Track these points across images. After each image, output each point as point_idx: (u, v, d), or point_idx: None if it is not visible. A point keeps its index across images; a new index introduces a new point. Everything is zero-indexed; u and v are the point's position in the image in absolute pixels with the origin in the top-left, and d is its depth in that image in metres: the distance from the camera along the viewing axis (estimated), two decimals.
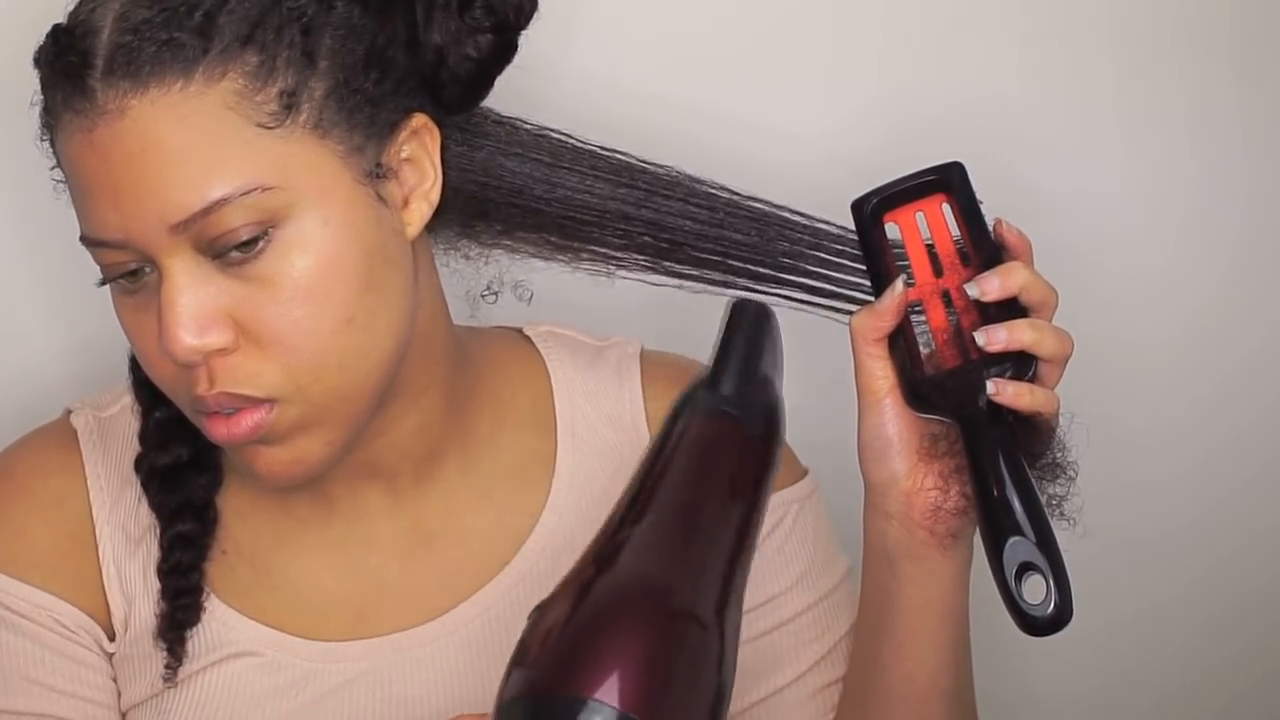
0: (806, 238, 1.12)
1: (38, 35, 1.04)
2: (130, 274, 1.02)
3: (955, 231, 1.08)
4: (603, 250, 1.13)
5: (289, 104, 1.00)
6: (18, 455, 1.16)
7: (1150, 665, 1.52)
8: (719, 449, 0.94)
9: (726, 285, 1.13)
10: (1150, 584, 1.50)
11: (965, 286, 1.04)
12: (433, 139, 1.07)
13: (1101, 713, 1.52)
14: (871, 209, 1.09)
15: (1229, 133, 1.44)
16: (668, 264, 1.13)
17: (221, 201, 0.99)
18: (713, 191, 1.13)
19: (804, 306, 1.12)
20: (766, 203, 1.13)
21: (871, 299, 1.09)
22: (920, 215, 1.09)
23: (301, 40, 1.01)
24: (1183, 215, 1.46)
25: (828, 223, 1.12)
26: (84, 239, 1.03)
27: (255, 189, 0.99)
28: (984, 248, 1.06)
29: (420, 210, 1.07)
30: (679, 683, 0.83)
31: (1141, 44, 1.42)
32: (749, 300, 1.02)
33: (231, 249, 1.00)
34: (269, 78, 1.00)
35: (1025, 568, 0.98)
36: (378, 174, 1.04)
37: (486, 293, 1.20)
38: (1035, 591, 0.98)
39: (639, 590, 0.85)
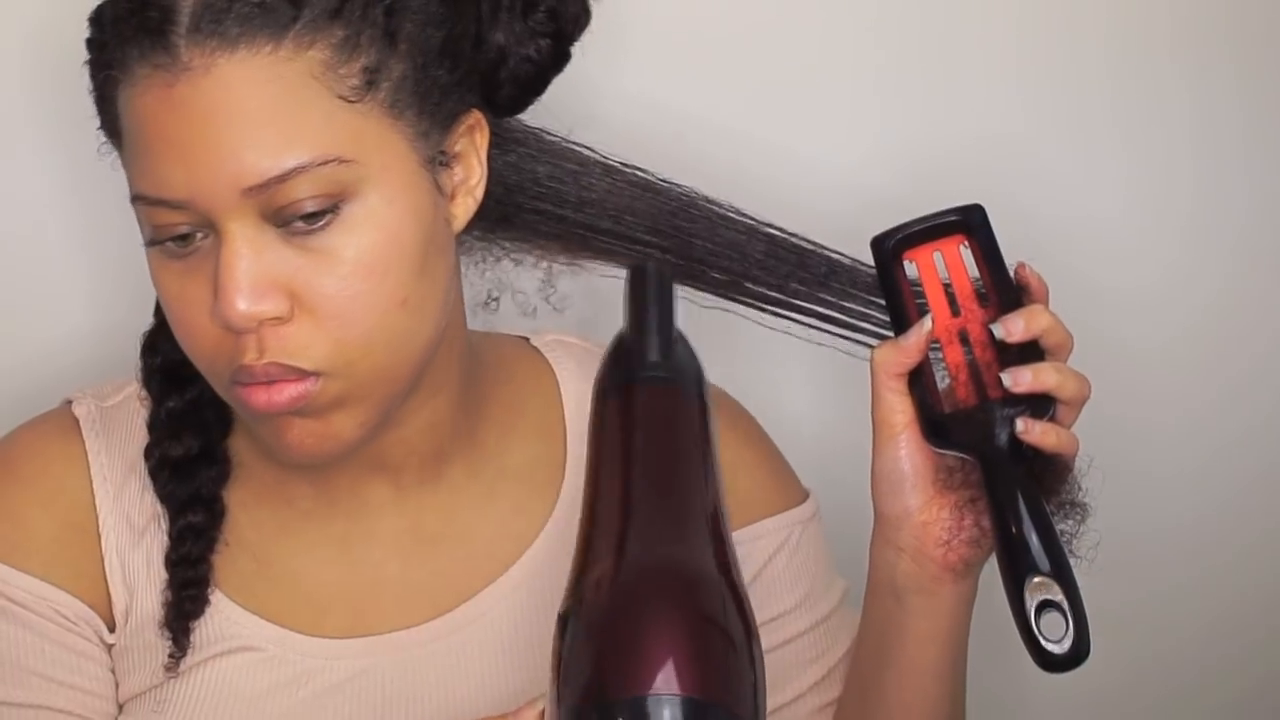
0: (821, 267, 1.14)
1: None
2: (180, 238, 1.02)
3: (973, 272, 1.11)
4: (620, 265, 1.15)
5: (370, 80, 1.01)
6: (18, 444, 1.15)
7: (1150, 666, 1.54)
8: (671, 416, 0.94)
9: (739, 303, 1.15)
10: (1148, 585, 1.52)
11: (991, 327, 1.07)
12: (482, 137, 1.09)
13: (1101, 712, 1.54)
14: (891, 247, 1.11)
15: (1229, 136, 1.49)
16: (684, 282, 1.14)
17: (298, 169, 0.99)
18: (728, 214, 1.15)
19: (812, 333, 1.15)
20: (780, 229, 1.15)
21: (882, 333, 1.12)
22: (938, 255, 1.11)
23: (384, 20, 1.01)
24: (1186, 221, 1.50)
25: (840, 253, 1.15)
26: (141, 198, 1.02)
27: (332, 160, 1.00)
28: (1003, 289, 1.09)
29: (466, 205, 1.08)
30: (719, 649, 0.84)
31: (1142, 56, 1.47)
32: (649, 263, 1.04)
33: (298, 219, 1.00)
34: (353, 52, 1.00)
35: (1044, 605, 1.01)
36: (439, 161, 1.05)
37: (489, 300, 1.22)
38: (1053, 628, 1.01)
39: (657, 577, 0.86)
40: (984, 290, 1.10)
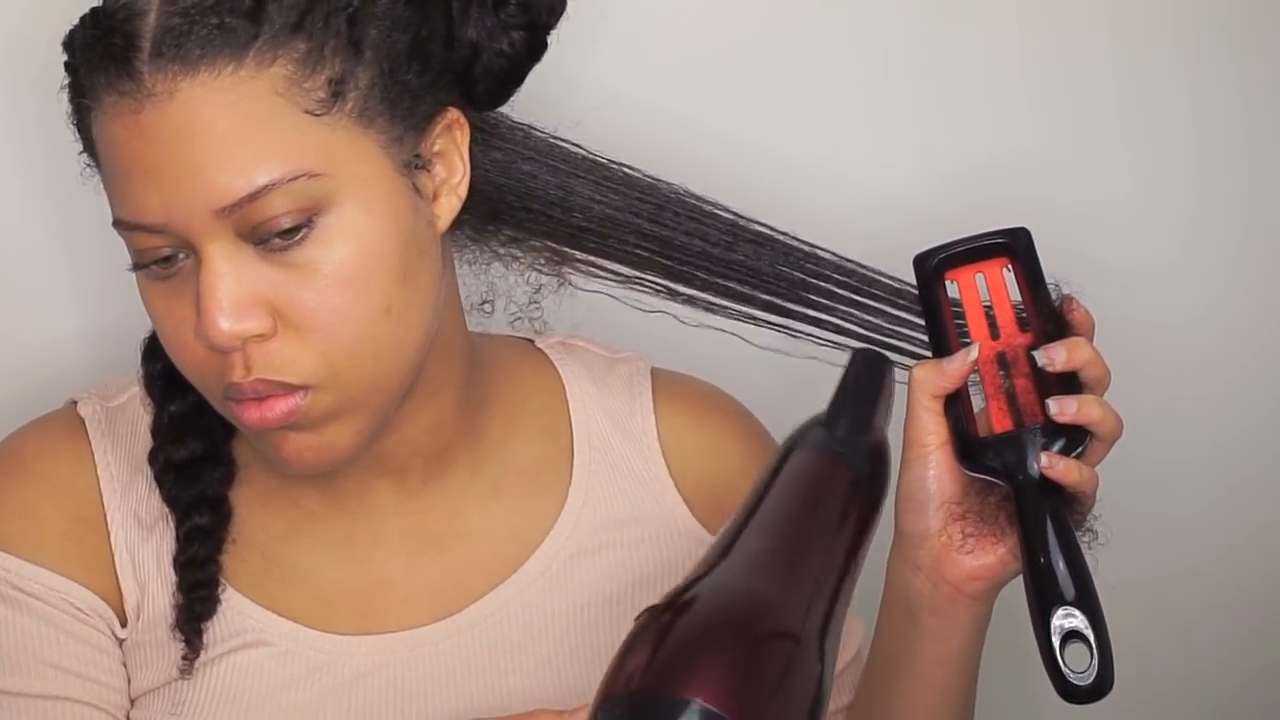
0: (810, 265, 1.14)
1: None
2: (163, 260, 1.02)
3: (1014, 296, 1.10)
4: (612, 265, 1.15)
5: (336, 92, 1.00)
6: (26, 442, 1.15)
7: (1148, 660, 1.52)
8: (828, 485, 0.97)
9: (728, 311, 1.15)
10: (1151, 571, 1.51)
11: (1034, 353, 1.06)
12: (463, 134, 1.08)
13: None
14: (934, 266, 1.11)
15: (1231, 135, 1.49)
16: (676, 285, 1.15)
17: (268, 187, 0.99)
18: (716, 211, 1.15)
19: (801, 335, 1.14)
20: (768, 226, 1.15)
21: (882, 339, 1.12)
22: (980, 276, 1.11)
23: (348, 29, 1.01)
24: (1189, 216, 1.51)
25: (827, 249, 1.14)
26: (120, 223, 1.02)
27: (302, 175, 1.00)
28: (1045, 315, 1.08)
29: (450, 204, 1.08)
30: (776, 694, 0.84)
31: (1146, 54, 1.47)
32: (871, 349, 1.06)
33: (274, 235, 1.00)
34: (317, 65, 1.00)
35: (1070, 635, 1.00)
36: (416, 165, 1.05)
37: (484, 303, 1.21)
38: (1078, 659, 1.00)
39: (741, 602, 0.87)
40: (1025, 315, 1.10)
